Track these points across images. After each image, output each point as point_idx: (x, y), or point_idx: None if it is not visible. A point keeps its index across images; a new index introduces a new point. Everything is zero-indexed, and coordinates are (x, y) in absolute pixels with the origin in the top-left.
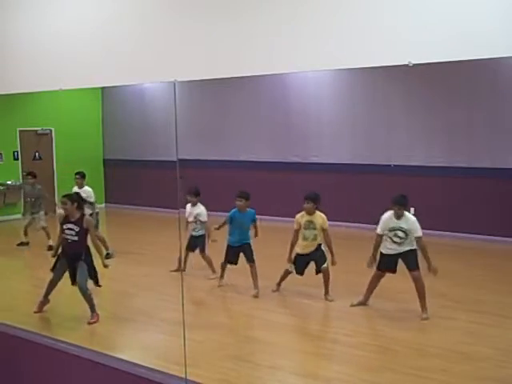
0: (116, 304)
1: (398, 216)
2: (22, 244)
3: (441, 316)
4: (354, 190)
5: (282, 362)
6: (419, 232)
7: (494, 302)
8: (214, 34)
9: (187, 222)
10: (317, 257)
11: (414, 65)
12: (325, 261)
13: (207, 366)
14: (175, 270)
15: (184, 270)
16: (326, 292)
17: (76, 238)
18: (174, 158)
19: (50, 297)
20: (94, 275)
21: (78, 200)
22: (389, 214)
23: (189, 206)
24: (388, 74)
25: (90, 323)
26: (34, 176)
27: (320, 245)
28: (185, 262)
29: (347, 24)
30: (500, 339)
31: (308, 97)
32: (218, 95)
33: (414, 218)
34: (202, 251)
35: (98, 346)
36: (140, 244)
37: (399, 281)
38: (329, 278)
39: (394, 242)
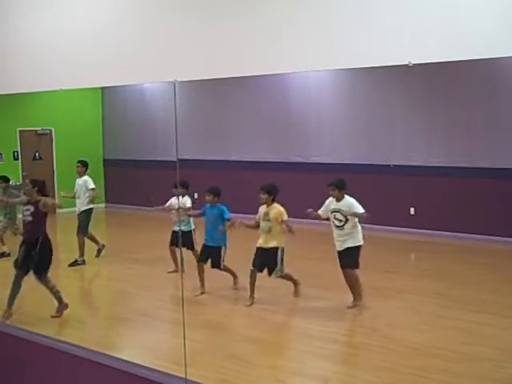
0: (116, 304)
1: (338, 199)
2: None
3: (441, 316)
4: (354, 189)
5: (282, 362)
6: (360, 209)
7: (493, 301)
8: (214, 34)
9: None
10: (270, 262)
11: (414, 65)
12: (275, 269)
13: (207, 366)
14: (173, 271)
15: (183, 271)
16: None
17: (30, 219)
18: (174, 158)
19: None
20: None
21: (41, 185)
22: (331, 198)
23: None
24: (388, 74)
25: (53, 316)
26: (7, 180)
27: (277, 249)
28: (175, 260)
29: (347, 24)
30: (500, 339)
31: (308, 97)
32: (218, 95)
33: (352, 200)
34: (192, 248)
35: (98, 346)
36: (140, 244)
37: (399, 281)
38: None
39: (336, 227)
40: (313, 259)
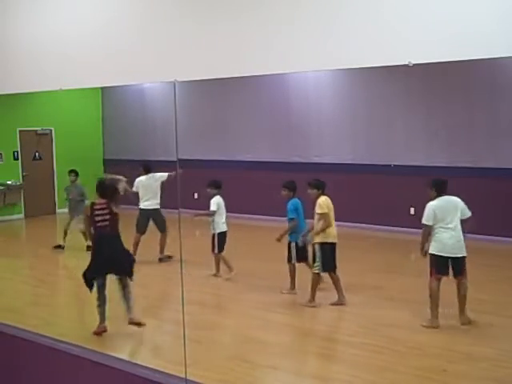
0: (116, 304)
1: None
2: (58, 247)
3: (441, 316)
4: (354, 189)
5: (282, 362)
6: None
7: (494, 302)
8: (214, 34)
9: None
10: None
11: (414, 65)
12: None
13: (207, 366)
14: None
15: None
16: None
17: None
18: (174, 158)
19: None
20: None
21: None
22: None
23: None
24: (388, 74)
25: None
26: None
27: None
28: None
29: (347, 24)
30: (500, 339)
31: (308, 97)
32: (217, 95)
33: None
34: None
35: (99, 346)
36: (139, 244)
37: (399, 280)
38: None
39: None
40: None
